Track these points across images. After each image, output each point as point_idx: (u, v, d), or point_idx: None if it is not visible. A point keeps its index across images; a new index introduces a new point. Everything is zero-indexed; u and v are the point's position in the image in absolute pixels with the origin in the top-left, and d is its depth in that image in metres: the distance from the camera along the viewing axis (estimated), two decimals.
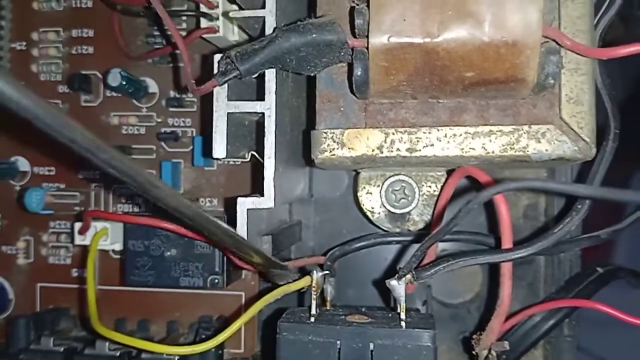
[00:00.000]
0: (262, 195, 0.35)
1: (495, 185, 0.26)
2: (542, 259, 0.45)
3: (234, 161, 0.47)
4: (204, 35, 0.41)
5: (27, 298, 0.49)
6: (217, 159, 0.35)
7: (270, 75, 0.34)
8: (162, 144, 0.47)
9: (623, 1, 0.35)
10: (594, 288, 0.42)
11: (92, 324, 0.38)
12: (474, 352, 0.37)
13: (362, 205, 0.43)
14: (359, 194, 0.43)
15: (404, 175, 0.42)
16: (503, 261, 0.33)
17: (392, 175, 0.42)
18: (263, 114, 0.34)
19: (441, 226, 0.31)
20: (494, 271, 0.45)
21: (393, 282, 0.34)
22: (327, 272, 0.38)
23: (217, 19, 0.41)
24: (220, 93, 0.35)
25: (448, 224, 0.30)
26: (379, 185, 0.42)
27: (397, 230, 0.42)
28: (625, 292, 0.49)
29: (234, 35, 0.42)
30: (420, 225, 0.42)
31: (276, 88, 0.35)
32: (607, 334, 0.49)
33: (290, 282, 0.38)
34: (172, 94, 0.47)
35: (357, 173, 0.43)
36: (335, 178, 0.47)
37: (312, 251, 0.48)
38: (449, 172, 0.41)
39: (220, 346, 0.42)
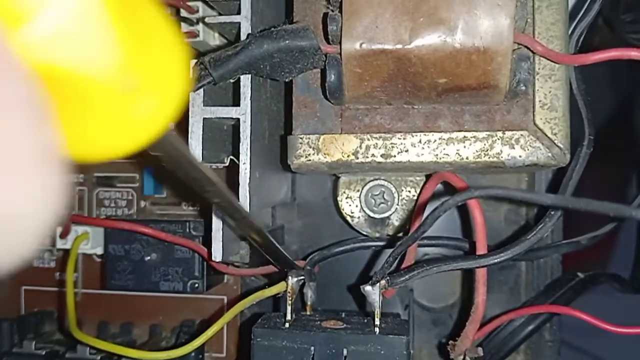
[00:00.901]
0: (238, 200, 0.35)
1: (460, 194, 0.26)
2: (523, 264, 0.45)
3: (216, 165, 0.47)
4: (185, 40, 0.41)
5: (12, 301, 0.50)
6: None
7: (245, 80, 0.34)
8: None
9: (603, 7, 0.35)
10: (574, 293, 0.42)
11: (70, 328, 0.38)
12: (450, 358, 0.37)
13: (341, 210, 0.43)
14: (338, 199, 0.43)
15: (383, 180, 0.42)
16: (477, 267, 0.33)
17: (372, 180, 0.42)
18: (238, 119, 0.35)
19: (410, 234, 0.31)
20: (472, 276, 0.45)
21: (367, 288, 0.34)
22: (302, 277, 0.37)
23: (197, 23, 0.41)
24: (195, 99, 0.35)
25: (416, 231, 0.30)
26: (358, 190, 0.42)
27: (377, 235, 0.42)
28: (612, 296, 0.49)
29: (215, 40, 0.42)
30: (400, 230, 0.42)
31: (252, 93, 0.35)
32: (590, 339, 0.49)
33: (266, 288, 0.38)
34: None
35: (337, 178, 0.43)
36: (318, 182, 0.47)
37: (295, 255, 0.48)
38: (428, 177, 0.41)
39: (201, 351, 0.43)
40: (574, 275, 0.43)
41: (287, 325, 0.35)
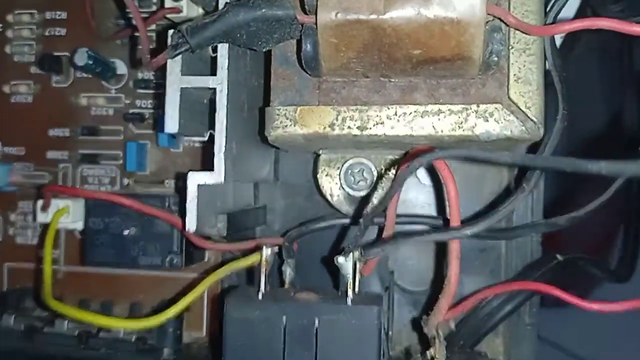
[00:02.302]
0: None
1: (425, 155, 0.26)
2: (502, 246, 0.45)
3: (200, 143, 0.47)
4: (169, 16, 0.42)
5: None
6: (170, 134, 0.36)
7: (223, 50, 0.35)
8: (130, 125, 0.48)
9: None
10: (553, 275, 0.42)
11: (44, 297, 0.39)
12: (423, 332, 0.37)
13: (321, 188, 0.43)
14: (318, 176, 0.43)
15: (363, 157, 0.42)
16: (449, 239, 0.33)
17: (352, 158, 0.42)
18: (215, 89, 0.35)
19: (380, 200, 0.31)
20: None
21: (340, 259, 0.34)
22: (276, 248, 0.38)
23: None
24: (173, 67, 0.35)
25: (385, 196, 0.30)
26: (338, 168, 0.43)
27: (355, 212, 0.43)
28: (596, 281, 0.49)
29: (199, 15, 0.42)
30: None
31: (229, 64, 0.35)
32: (567, 323, 0.49)
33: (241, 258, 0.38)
34: (140, 75, 0.48)
35: (317, 155, 0.43)
36: (302, 162, 0.47)
37: (277, 234, 0.48)
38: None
39: (179, 325, 0.43)
40: (553, 256, 0.43)
41: (260, 296, 0.35)
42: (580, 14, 0.52)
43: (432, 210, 0.46)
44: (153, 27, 0.47)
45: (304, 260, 0.45)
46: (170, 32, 0.35)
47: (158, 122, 0.46)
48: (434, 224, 0.40)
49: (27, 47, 0.50)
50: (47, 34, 0.49)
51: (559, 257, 0.42)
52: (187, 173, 0.35)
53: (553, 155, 0.22)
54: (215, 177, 0.35)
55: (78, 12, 0.48)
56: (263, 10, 0.32)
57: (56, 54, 0.49)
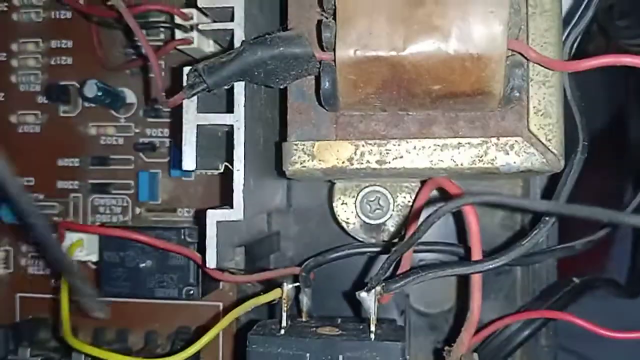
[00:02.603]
0: (232, 206, 0.35)
1: (454, 200, 0.26)
2: (518, 270, 0.45)
3: (212, 172, 0.47)
4: (179, 47, 0.41)
5: (7, 309, 0.49)
6: (187, 171, 0.36)
7: (239, 87, 0.34)
8: (140, 154, 0.47)
9: (597, 14, 0.35)
10: (570, 298, 0.42)
11: (64, 335, 0.38)
12: None
13: (337, 216, 0.43)
14: (334, 205, 0.43)
15: (378, 186, 0.42)
16: (472, 273, 0.33)
17: (367, 186, 0.42)
18: (232, 126, 0.35)
19: (405, 240, 0.31)
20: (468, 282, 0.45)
21: (362, 294, 0.34)
22: (297, 284, 0.37)
23: (192, 30, 0.41)
24: (189, 106, 0.35)
25: (411, 237, 0.30)
26: (354, 196, 0.42)
27: (373, 240, 0.42)
28: (608, 300, 0.49)
29: (209, 46, 0.42)
30: (396, 236, 0.42)
31: (246, 100, 0.35)
32: (586, 344, 0.49)
33: (261, 295, 0.38)
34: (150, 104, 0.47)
35: (333, 184, 0.43)
36: (314, 188, 0.47)
37: (290, 261, 0.48)
38: (423, 183, 0.41)
39: (196, 358, 0.42)
40: (569, 280, 0.43)
41: (282, 331, 0.35)
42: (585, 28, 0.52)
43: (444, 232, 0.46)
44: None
45: (319, 286, 0.45)
46: (186, 70, 0.34)
47: (171, 152, 0.46)
48: (454, 251, 0.40)
49: (32, 77, 0.49)
50: (53, 62, 0.49)
51: (575, 280, 0.43)
52: (205, 210, 0.35)
53: (589, 206, 0.21)
54: (234, 214, 0.34)
55: (84, 41, 0.48)
56: (281, 49, 0.32)
57: (63, 83, 0.48)
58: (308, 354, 0.33)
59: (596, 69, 0.31)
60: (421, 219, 0.39)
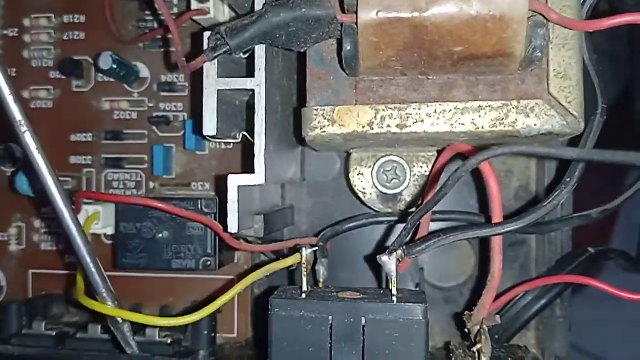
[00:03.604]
0: (253, 173, 0.35)
1: (482, 152, 0.26)
2: (533, 240, 0.45)
3: (225, 145, 0.47)
4: (195, 17, 0.41)
5: (19, 285, 0.49)
6: (207, 137, 0.36)
7: (260, 52, 0.34)
8: (154, 128, 0.47)
9: None
10: (585, 268, 0.42)
11: (77, 296, 0.38)
12: (466, 330, 0.37)
13: (353, 187, 0.43)
14: (350, 175, 0.43)
15: (395, 155, 0.42)
16: (493, 235, 0.33)
17: (384, 156, 0.42)
18: (253, 90, 0.35)
19: (430, 197, 0.31)
20: (486, 254, 0.45)
21: (384, 258, 0.34)
22: (316, 249, 0.38)
23: (208, 0, 0.41)
24: (210, 70, 0.35)
25: (437, 193, 0.30)
26: (370, 166, 0.43)
27: (389, 210, 0.43)
28: (616, 274, 0.49)
29: (225, 16, 0.42)
30: (412, 206, 0.43)
31: (266, 65, 0.35)
32: (599, 315, 0.49)
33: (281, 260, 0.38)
34: (163, 78, 0.47)
35: (349, 154, 0.43)
36: (328, 161, 0.48)
37: (305, 235, 0.48)
38: (440, 153, 0.41)
39: (213, 328, 0.42)
40: (584, 250, 0.43)
41: (304, 296, 0.35)
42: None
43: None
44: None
45: (332, 258, 0.45)
46: (207, 34, 0.34)
47: (188, 127, 0.46)
48: (469, 220, 0.40)
49: (45, 52, 0.49)
50: (65, 37, 0.49)
51: (590, 250, 0.43)
52: (226, 176, 0.35)
53: (621, 151, 0.22)
54: (256, 179, 0.34)
55: (96, 15, 0.48)
56: (303, 11, 0.32)
57: (76, 58, 0.48)
58: (331, 317, 0.33)
59: (603, 39, 0.31)
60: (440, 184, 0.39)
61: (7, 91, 0.32)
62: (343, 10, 0.33)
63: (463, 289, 0.47)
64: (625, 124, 0.64)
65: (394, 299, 0.34)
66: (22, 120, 0.33)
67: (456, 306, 0.47)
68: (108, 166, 0.48)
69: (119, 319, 0.37)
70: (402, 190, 0.42)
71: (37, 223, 0.49)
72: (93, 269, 0.36)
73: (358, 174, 0.43)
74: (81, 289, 0.39)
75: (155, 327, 0.44)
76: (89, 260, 0.36)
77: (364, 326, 0.33)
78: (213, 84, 0.35)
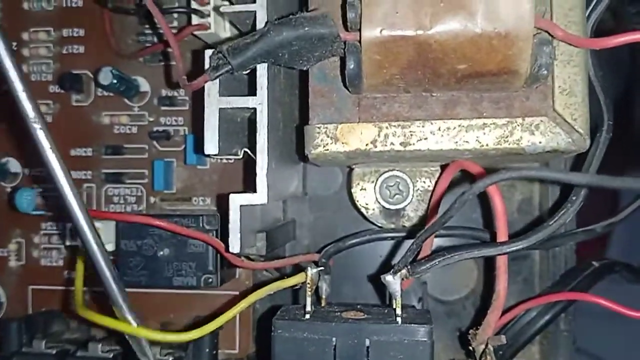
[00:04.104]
0: (255, 191, 0.34)
1: (490, 175, 0.26)
2: (537, 254, 0.45)
3: (226, 159, 0.46)
4: (195, 32, 0.41)
5: (19, 301, 0.49)
6: (209, 155, 0.35)
7: (262, 70, 0.34)
8: (155, 142, 0.47)
9: None
10: (590, 282, 0.42)
11: (76, 308, 0.38)
12: (470, 348, 0.37)
13: (356, 202, 0.43)
14: (353, 190, 0.43)
15: (398, 170, 0.42)
16: (498, 254, 0.33)
17: (387, 171, 0.42)
18: (255, 109, 0.34)
19: (436, 218, 0.30)
20: (489, 267, 0.45)
21: (388, 278, 0.34)
22: (321, 268, 0.37)
23: (209, 15, 0.40)
24: (211, 88, 0.34)
25: (443, 215, 0.29)
26: (373, 181, 0.42)
27: (392, 226, 0.42)
28: (620, 286, 0.49)
29: (226, 31, 0.42)
30: (415, 221, 0.42)
31: (268, 83, 0.34)
32: (603, 329, 0.49)
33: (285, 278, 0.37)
34: (164, 92, 0.47)
35: (351, 169, 0.43)
36: (329, 175, 0.47)
37: (307, 249, 0.48)
38: (443, 167, 0.40)
39: (215, 346, 0.42)
40: (589, 264, 0.42)
41: (307, 316, 0.35)
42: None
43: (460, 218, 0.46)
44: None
45: (334, 274, 0.44)
46: (209, 52, 0.34)
47: (189, 141, 0.46)
48: (474, 235, 0.40)
49: (44, 66, 0.49)
50: (65, 51, 0.48)
51: (594, 263, 0.42)
52: (226, 196, 0.34)
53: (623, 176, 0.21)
54: (258, 198, 0.34)
55: (96, 29, 0.48)
56: (306, 29, 0.32)
57: (75, 72, 0.48)
58: (334, 338, 0.33)
59: (603, 52, 0.31)
60: (443, 202, 0.39)
61: (19, 87, 0.31)
62: (346, 28, 0.33)
63: (466, 302, 0.47)
64: (625, 132, 0.64)
65: (399, 319, 0.33)
66: (36, 117, 0.32)
67: (459, 321, 0.46)
68: (108, 181, 0.48)
69: None
70: (405, 206, 0.42)
71: (37, 239, 0.49)
72: (114, 286, 0.35)
73: (361, 189, 0.43)
74: (79, 299, 0.39)
75: (157, 344, 0.44)
76: (109, 275, 0.35)
77: (367, 347, 0.33)
78: (214, 102, 0.35)
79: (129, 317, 0.36)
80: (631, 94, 0.64)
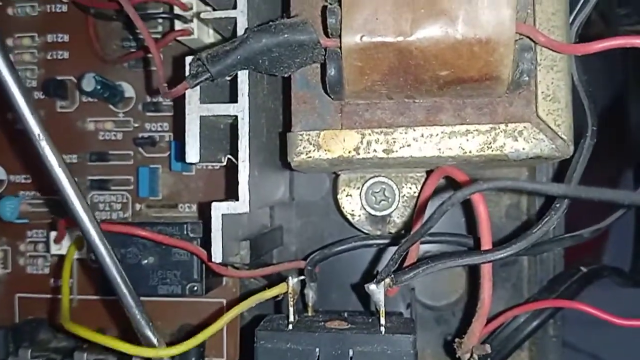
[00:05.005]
0: (237, 199, 0.34)
1: (469, 186, 0.26)
2: (525, 260, 0.45)
3: (212, 165, 0.46)
4: (179, 38, 0.41)
5: (6, 309, 0.49)
6: (190, 163, 0.35)
7: (243, 76, 0.34)
8: (140, 149, 0.47)
9: (598, 1, 0.35)
10: (578, 288, 0.41)
11: (63, 321, 0.37)
12: (457, 356, 0.36)
13: (342, 208, 0.42)
14: (338, 197, 0.42)
15: (383, 177, 0.41)
16: (482, 263, 0.33)
17: (372, 177, 0.42)
18: (236, 116, 0.34)
19: (416, 229, 0.30)
20: (476, 273, 0.45)
21: (372, 287, 0.33)
22: (302, 277, 0.37)
23: (192, 21, 0.40)
24: (192, 96, 0.34)
25: (423, 226, 0.29)
26: (358, 188, 0.42)
27: (378, 232, 0.42)
28: (612, 290, 0.49)
29: (209, 37, 0.41)
30: (402, 227, 0.42)
31: (249, 90, 0.34)
32: (592, 333, 0.49)
33: (266, 290, 0.37)
34: (148, 98, 0.47)
35: (337, 175, 0.43)
36: (317, 181, 0.47)
37: (294, 255, 0.47)
38: (429, 173, 0.40)
39: (201, 354, 0.42)
40: (577, 269, 0.42)
41: (290, 326, 0.34)
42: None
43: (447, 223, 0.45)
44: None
45: (321, 280, 0.44)
46: (189, 59, 0.34)
47: (173, 148, 0.45)
48: (460, 242, 0.40)
49: (29, 72, 0.48)
50: (49, 57, 0.48)
51: (583, 269, 0.42)
52: (210, 203, 0.34)
53: (608, 189, 0.21)
54: (240, 207, 0.34)
55: (80, 35, 0.47)
56: (286, 36, 0.31)
57: (60, 78, 0.47)
58: (317, 349, 0.33)
59: (596, 55, 0.31)
60: (428, 208, 0.38)
61: (23, 104, 0.31)
62: (327, 35, 0.33)
63: (455, 308, 0.46)
64: (619, 138, 0.63)
65: (382, 329, 0.33)
66: (41, 134, 0.32)
67: (448, 327, 0.46)
68: (93, 188, 0.47)
69: None
70: (391, 212, 0.42)
71: (23, 246, 0.48)
72: (135, 310, 0.35)
73: (346, 196, 0.42)
74: (66, 313, 0.39)
75: None
76: (129, 298, 0.35)
77: (351, 357, 0.32)
78: (195, 109, 0.34)
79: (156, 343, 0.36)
80: (625, 99, 0.63)
